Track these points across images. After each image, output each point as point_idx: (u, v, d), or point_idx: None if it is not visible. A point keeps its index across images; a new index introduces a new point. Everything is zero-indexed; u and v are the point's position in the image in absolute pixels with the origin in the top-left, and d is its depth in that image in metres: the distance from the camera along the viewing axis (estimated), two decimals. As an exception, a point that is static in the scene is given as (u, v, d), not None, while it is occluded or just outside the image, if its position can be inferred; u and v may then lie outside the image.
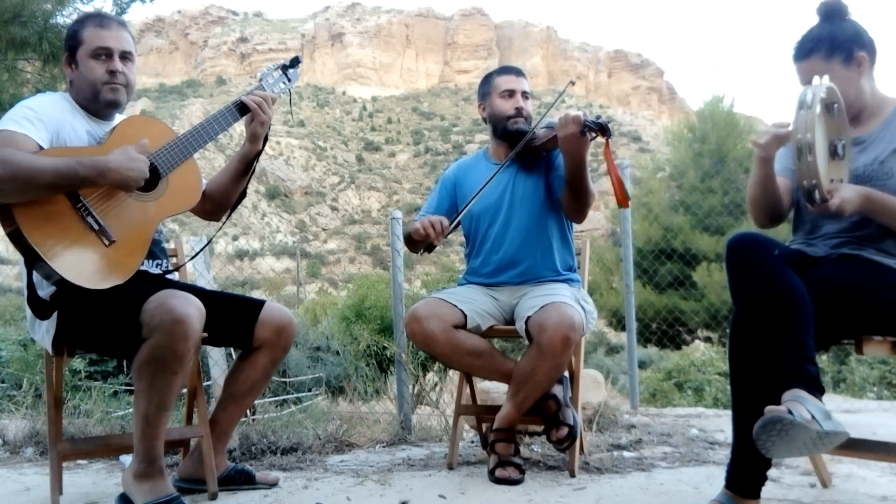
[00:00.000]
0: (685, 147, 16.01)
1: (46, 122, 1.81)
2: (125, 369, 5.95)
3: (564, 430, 2.19)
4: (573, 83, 3.30)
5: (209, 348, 3.74)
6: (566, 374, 2.34)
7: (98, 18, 1.97)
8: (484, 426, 2.57)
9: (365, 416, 3.73)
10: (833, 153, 1.74)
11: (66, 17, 4.81)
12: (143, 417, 1.77)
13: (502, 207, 2.45)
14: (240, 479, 2.15)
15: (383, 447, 2.92)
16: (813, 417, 1.45)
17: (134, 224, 1.84)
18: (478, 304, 2.32)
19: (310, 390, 6.45)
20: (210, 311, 1.82)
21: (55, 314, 1.86)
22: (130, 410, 2.71)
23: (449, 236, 2.66)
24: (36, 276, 1.82)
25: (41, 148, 1.76)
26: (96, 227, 1.75)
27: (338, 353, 6.68)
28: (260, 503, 2.02)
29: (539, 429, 2.53)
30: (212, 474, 2.03)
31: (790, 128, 1.71)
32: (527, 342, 2.18)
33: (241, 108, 2.05)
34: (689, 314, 13.12)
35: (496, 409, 2.33)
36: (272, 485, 2.18)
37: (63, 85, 4.69)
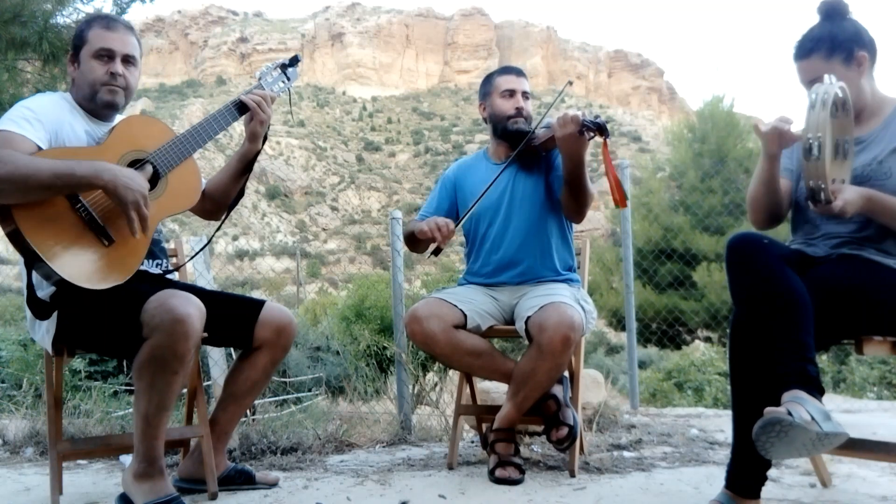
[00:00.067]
0: (685, 147, 16.01)
1: (45, 122, 1.81)
2: (125, 369, 5.95)
3: (564, 430, 2.19)
4: (571, 83, 3.30)
5: (209, 348, 3.74)
6: (566, 374, 2.34)
7: (106, 20, 1.97)
8: (484, 426, 2.57)
9: (365, 416, 3.73)
10: (837, 153, 1.74)
11: (65, 17, 4.80)
12: (143, 417, 1.77)
13: (502, 207, 2.45)
14: (240, 479, 2.15)
15: (383, 447, 2.92)
16: (812, 419, 1.45)
17: (134, 224, 1.83)
18: (478, 304, 2.32)
19: (310, 390, 6.46)
20: (210, 311, 1.82)
21: (55, 314, 1.86)
22: (130, 410, 2.71)
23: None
24: (35, 276, 1.82)
25: (39, 148, 1.76)
26: (96, 227, 1.75)
27: (338, 353, 6.69)
28: (260, 503, 2.02)
29: (539, 429, 2.53)
30: (212, 474, 2.03)
31: (800, 128, 1.70)
32: (527, 342, 2.18)
33: (241, 108, 2.05)
34: (689, 314, 13.13)
35: (496, 409, 2.33)
36: (272, 485, 2.18)
37: (63, 85, 4.69)
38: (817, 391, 1.54)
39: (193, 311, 1.73)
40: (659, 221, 14.23)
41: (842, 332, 1.78)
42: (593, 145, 2.29)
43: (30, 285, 1.85)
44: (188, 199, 2.00)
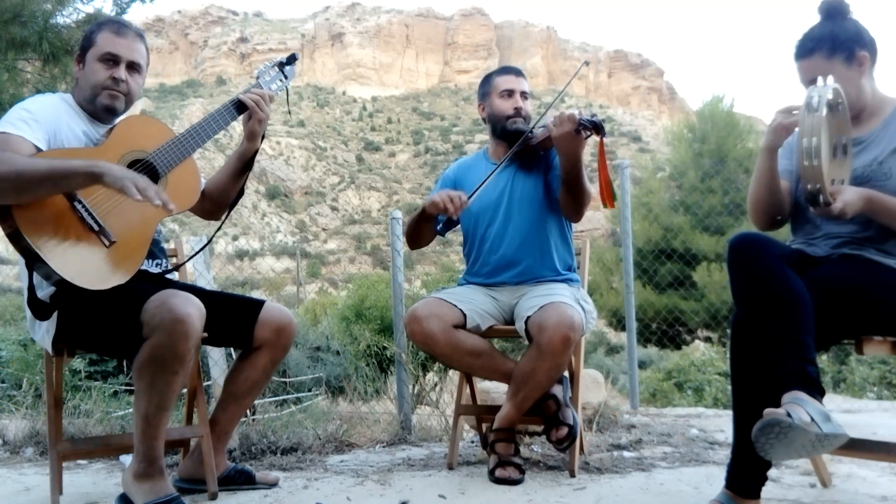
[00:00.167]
0: (685, 147, 16.01)
1: (43, 122, 1.81)
2: (125, 369, 5.95)
3: (564, 430, 2.19)
4: (587, 64, 3.32)
5: (209, 348, 3.74)
6: (566, 374, 2.34)
7: (115, 25, 1.98)
8: (484, 426, 2.57)
9: (365, 416, 3.73)
10: (835, 152, 1.74)
11: (66, 17, 4.81)
12: (143, 417, 1.77)
13: (501, 207, 2.45)
14: (240, 479, 2.15)
15: (383, 447, 2.92)
16: (812, 420, 1.45)
17: (133, 224, 1.83)
18: (477, 304, 2.32)
19: (310, 390, 6.45)
20: (210, 311, 1.81)
21: (55, 314, 1.86)
22: (130, 410, 2.71)
23: (447, 235, 2.67)
24: (36, 276, 1.82)
25: (38, 149, 1.76)
26: (96, 227, 1.75)
27: (338, 353, 6.68)
28: (260, 503, 2.02)
29: (539, 429, 2.53)
30: (212, 474, 2.03)
31: (797, 128, 1.70)
32: (526, 342, 2.18)
33: (239, 107, 2.05)
34: (689, 314, 13.13)
35: (496, 409, 2.33)
36: (272, 485, 2.18)
37: (63, 85, 4.69)
38: (817, 392, 1.54)
39: (193, 310, 1.73)
40: (659, 221, 14.23)
41: (842, 332, 1.78)
42: (592, 143, 2.29)
43: (30, 286, 1.85)
44: (188, 198, 2.00)
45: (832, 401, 4.94)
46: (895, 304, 1.71)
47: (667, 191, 16.05)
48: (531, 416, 2.29)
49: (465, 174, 2.57)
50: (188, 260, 2.32)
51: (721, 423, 3.36)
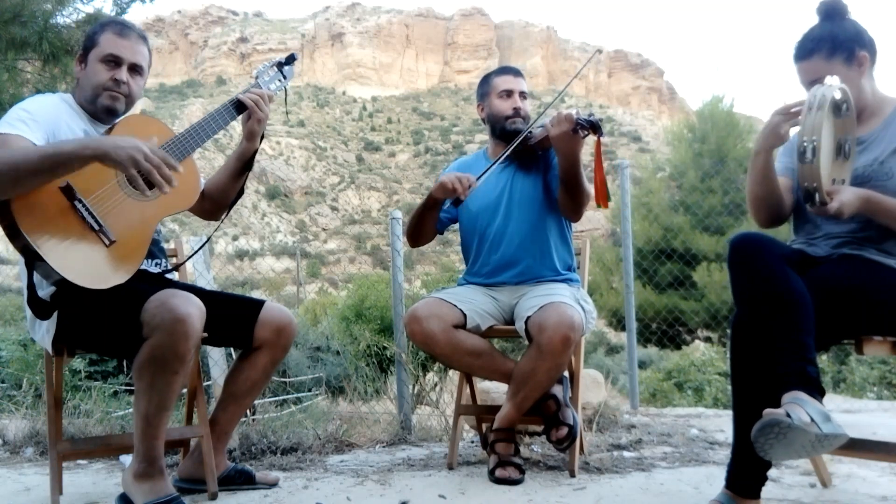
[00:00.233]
0: (685, 147, 16.02)
1: (41, 122, 1.81)
2: (125, 369, 5.95)
3: (564, 430, 2.19)
4: (600, 51, 3.34)
5: (209, 348, 3.74)
6: (566, 374, 2.34)
7: (119, 26, 1.98)
8: (484, 426, 2.57)
9: (365, 416, 3.73)
10: (839, 152, 1.74)
11: (66, 17, 4.81)
12: (143, 417, 1.77)
13: (501, 207, 2.45)
14: (240, 479, 2.15)
15: (383, 447, 2.92)
16: (812, 420, 1.45)
17: (133, 224, 1.83)
18: (477, 304, 2.32)
19: (310, 390, 6.45)
20: (210, 311, 1.81)
21: (55, 314, 1.86)
22: (130, 410, 2.71)
23: (447, 235, 2.67)
24: (36, 276, 1.82)
25: None
26: (96, 226, 1.75)
27: (338, 353, 6.68)
28: (260, 503, 2.02)
29: (539, 429, 2.53)
30: (212, 474, 2.03)
31: (797, 126, 1.70)
32: (527, 342, 2.18)
33: (238, 106, 2.05)
34: (689, 314, 13.13)
35: (496, 409, 2.33)
36: (272, 485, 2.18)
37: (63, 85, 4.69)
38: (817, 392, 1.54)
39: (194, 310, 1.73)
40: (659, 221, 14.23)
41: (842, 332, 1.78)
42: (591, 144, 2.29)
43: (30, 285, 1.84)
44: (188, 198, 2.00)
45: (832, 401, 4.94)
46: (895, 304, 1.71)
47: (667, 191, 16.05)
48: (531, 416, 2.29)
49: (465, 172, 2.57)
50: (187, 259, 2.32)
51: (721, 423, 3.36)
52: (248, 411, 3.02)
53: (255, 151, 2.11)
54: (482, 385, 3.07)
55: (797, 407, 1.48)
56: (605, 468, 2.35)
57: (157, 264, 2.08)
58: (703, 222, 13.87)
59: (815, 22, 1.92)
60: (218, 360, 3.82)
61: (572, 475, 2.26)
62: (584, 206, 2.39)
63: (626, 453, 2.64)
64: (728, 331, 1.77)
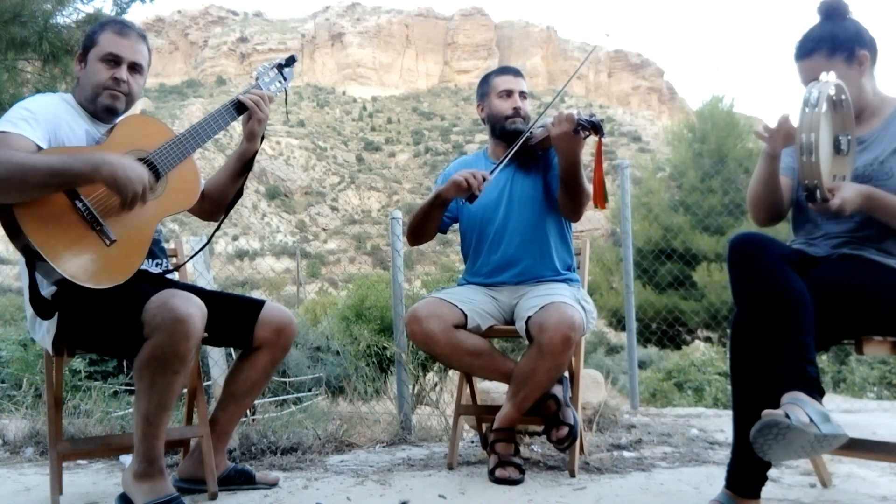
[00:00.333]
0: (685, 147, 16.02)
1: (43, 121, 1.81)
2: (125, 369, 5.95)
3: (564, 430, 2.19)
4: (608, 35, 3.27)
5: (209, 348, 3.74)
6: (566, 374, 2.34)
7: (118, 26, 1.98)
8: (484, 426, 2.57)
9: (365, 416, 3.73)
10: (837, 148, 1.74)
11: (66, 17, 4.81)
12: (143, 417, 1.77)
13: (500, 207, 2.45)
14: (240, 479, 2.15)
15: (383, 447, 2.92)
16: (811, 420, 1.45)
17: (134, 224, 1.83)
18: (478, 304, 2.32)
19: (310, 390, 6.45)
20: (210, 311, 1.81)
21: (56, 314, 1.86)
22: (130, 410, 2.71)
23: (447, 234, 2.67)
24: (37, 275, 1.82)
25: (39, 147, 1.76)
26: (97, 226, 1.75)
27: (338, 353, 6.68)
28: (260, 503, 2.02)
29: (539, 429, 2.53)
30: (212, 474, 2.03)
31: (795, 125, 1.70)
32: (527, 342, 2.18)
33: (239, 107, 2.05)
34: (689, 314, 13.13)
35: (496, 409, 2.33)
36: (272, 485, 2.18)
37: (63, 85, 4.69)
38: (817, 392, 1.54)
39: (195, 310, 1.73)
40: (659, 221, 14.23)
41: (842, 332, 1.78)
42: (591, 144, 2.29)
43: (32, 284, 1.84)
44: (188, 198, 2.00)
45: (832, 401, 4.94)
46: (895, 304, 1.71)
47: (667, 191, 16.05)
48: (531, 416, 2.29)
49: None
50: (188, 260, 2.32)
51: (721, 423, 3.36)
52: (248, 411, 3.02)
53: (256, 152, 2.11)
54: (482, 385, 3.07)
55: (796, 407, 1.48)
56: (605, 468, 2.35)
57: (157, 264, 2.08)
58: (703, 222, 13.87)
59: (816, 21, 1.92)
60: (218, 360, 3.82)
61: (572, 475, 2.26)
62: (584, 207, 2.39)
63: (626, 453, 2.64)
64: (728, 331, 1.77)
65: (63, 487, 2.08)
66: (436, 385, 5.15)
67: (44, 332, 1.90)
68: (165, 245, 2.24)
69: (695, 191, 14.76)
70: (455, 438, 2.46)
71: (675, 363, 9.25)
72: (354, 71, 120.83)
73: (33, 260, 1.70)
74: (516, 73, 2.58)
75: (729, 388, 1.84)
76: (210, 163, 57.22)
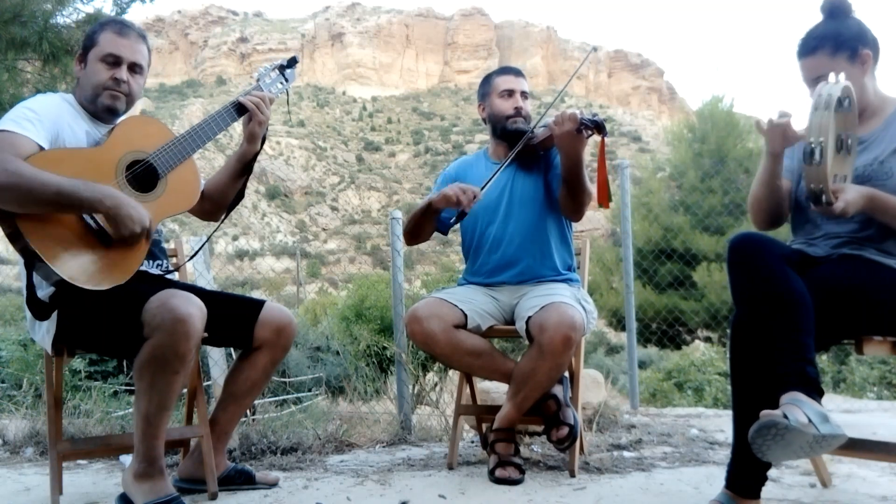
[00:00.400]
0: (685, 147, 16.01)
1: (46, 121, 1.81)
2: (125, 369, 5.95)
3: (564, 430, 2.19)
4: (595, 49, 3.30)
5: (209, 348, 3.74)
6: (566, 374, 2.34)
7: (118, 26, 1.98)
8: (484, 426, 2.57)
9: (365, 416, 3.73)
10: (839, 148, 1.73)
11: (66, 17, 4.81)
12: (143, 417, 1.77)
13: (501, 207, 2.45)
14: (240, 479, 2.15)
15: (383, 447, 2.92)
16: (809, 421, 1.45)
17: (134, 224, 1.83)
18: (478, 304, 2.32)
19: (310, 390, 6.45)
20: (210, 311, 1.82)
21: (55, 314, 1.86)
22: (130, 410, 2.71)
23: (448, 234, 2.67)
24: (35, 276, 1.82)
25: (41, 148, 1.76)
26: (96, 227, 1.75)
27: (338, 353, 6.68)
28: (260, 503, 2.02)
29: (539, 429, 2.53)
30: (212, 474, 2.03)
31: (803, 127, 1.70)
32: (527, 342, 2.18)
33: (240, 109, 2.05)
34: (689, 314, 13.12)
35: (496, 409, 2.33)
36: (272, 485, 2.18)
37: (63, 85, 4.69)
38: (816, 392, 1.54)
39: (195, 310, 1.73)
40: (659, 221, 14.22)
41: (842, 332, 1.78)
42: (593, 143, 2.29)
43: (30, 286, 1.85)
44: (188, 199, 2.00)
45: (832, 401, 4.94)
46: (895, 304, 1.71)
47: (667, 191, 16.04)
48: (531, 416, 2.29)
49: (466, 173, 2.57)
50: (188, 260, 2.32)
51: (721, 423, 3.36)
52: (248, 411, 3.02)
53: (256, 154, 2.11)
54: (482, 385, 3.07)
55: (795, 408, 1.47)
56: (605, 468, 2.35)
57: (157, 265, 2.08)
58: (703, 222, 13.87)
59: (819, 20, 1.92)
60: (218, 360, 3.82)
61: (572, 475, 2.26)
62: (586, 206, 2.38)
63: (626, 453, 2.64)
64: (728, 331, 1.77)
65: (63, 487, 2.08)
66: (436, 385, 5.15)
67: (43, 333, 1.90)
68: (165, 245, 2.24)
69: (695, 191, 14.76)
70: (455, 438, 2.46)
71: (675, 363, 9.24)
72: (354, 71, 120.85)
73: (32, 261, 1.70)
74: (517, 73, 2.58)
75: (729, 388, 1.84)
76: (210, 163, 57.22)
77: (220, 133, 2.02)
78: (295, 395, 6.23)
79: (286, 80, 2.18)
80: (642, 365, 10.92)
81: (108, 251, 1.76)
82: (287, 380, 6.44)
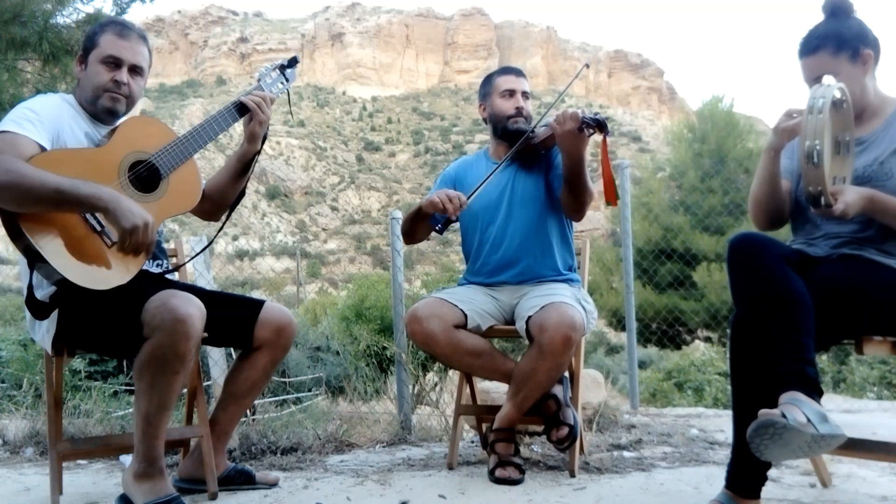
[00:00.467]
0: (685, 147, 16.01)
1: (47, 122, 1.82)
2: (125, 369, 5.95)
3: (564, 430, 2.19)
4: (587, 66, 3.33)
5: (209, 348, 3.74)
6: (566, 374, 2.34)
7: (119, 27, 1.97)
8: (484, 426, 2.57)
9: (365, 416, 3.73)
10: (837, 149, 1.73)
11: (66, 17, 4.81)
12: (143, 417, 1.77)
13: (502, 207, 2.45)
14: (240, 479, 2.15)
15: (383, 447, 2.92)
16: (808, 420, 1.45)
17: (134, 224, 1.83)
18: (478, 304, 2.32)
19: (310, 390, 6.45)
20: (210, 311, 1.82)
21: (55, 314, 1.86)
22: (130, 410, 2.71)
23: (447, 235, 2.66)
24: (36, 276, 1.82)
25: (43, 148, 1.76)
26: (98, 227, 1.75)
27: (338, 353, 6.68)
28: (260, 503, 2.02)
29: (539, 429, 2.53)
30: (212, 474, 2.03)
31: (800, 119, 1.70)
32: (527, 342, 2.18)
33: (241, 109, 2.05)
34: (689, 314, 13.12)
35: (496, 409, 2.33)
36: (272, 485, 2.18)
37: (63, 85, 4.69)
38: (816, 392, 1.54)
39: (194, 311, 1.73)
40: (659, 221, 14.23)
41: (842, 332, 1.78)
42: (594, 143, 2.29)
43: (30, 285, 1.85)
44: (189, 200, 2.01)
45: (832, 401, 4.94)
46: (895, 304, 1.71)
47: (667, 191, 16.05)
48: (531, 416, 2.29)
49: (466, 173, 2.57)
50: (189, 260, 2.32)
51: (721, 423, 3.36)
52: (248, 411, 3.02)
53: (257, 154, 2.11)
54: (482, 385, 3.07)
55: (793, 407, 1.48)
56: (605, 468, 2.35)
57: (158, 265, 2.08)
58: (703, 222, 13.87)
59: (821, 19, 1.92)
60: (218, 360, 3.82)
61: (572, 475, 2.26)
62: (588, 206, 2.38)
63: (626, 453, 2.64)
64: (728, 331, 1.77)
65: (63, 487, 2.08)
66: (436, 385, 5.15)
67: (43, 333, 1.90)
68: (165, 245, 2.24)
69: (695, 191, 14.76)
70: (455, 438, 2.46)
71: (675, 363, 9.24)
72: (354, 71, 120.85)
73: (34, 261, 1.70)
74: (518, 73, 2.58)
75: (729, 388, 1.84)
76: (210, 163, 57.23)
77: (221, 133, 2.02)
78: (295, 395, 6.23)
79: (287, 80, 2.18)
80: (642, 365, 10.92)
81: (110, 251, 1.76)
82: (287, 380, 6.44)
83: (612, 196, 2.29)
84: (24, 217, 1.67)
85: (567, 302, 2.14)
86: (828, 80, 1.70)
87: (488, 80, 2.58)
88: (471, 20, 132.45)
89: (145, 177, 1.88)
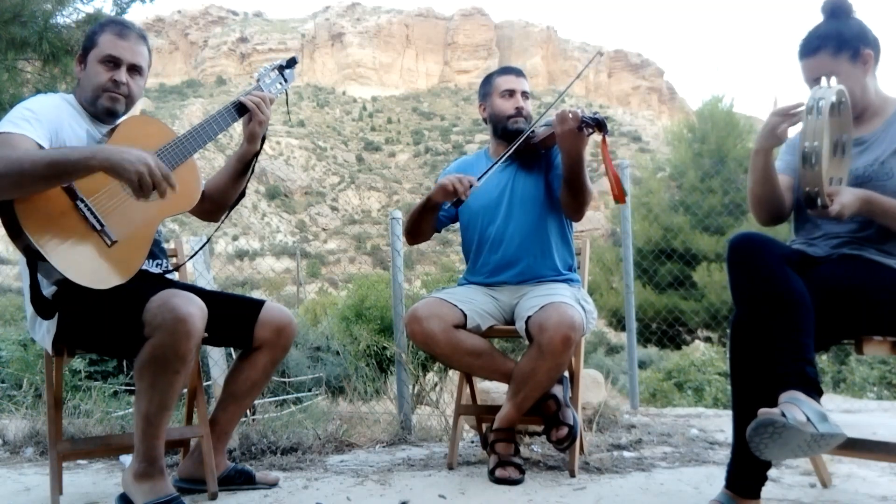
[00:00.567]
0: (685, 147, 16.02)
1: (45, 121, 1.81)
2: (125, 369, 5.96)
3: (564, 430, 2.19)
4: (601, 54, 3.30)
5: (209, 348, 3.74)
6: (566, 374, 2.34)
7: (118, 27, 1.97)
8: (484, 426, 2.57)
9: (365, 416, 3.73)
10: (835, 151, 1.74)
11: (66, 17, 4.81)
12: (144, 417, 1.77)
13: (502, 206, 2.45)
14: (240, 479, 2.15)
15: (383, 447, 2.92)
16: (808, 419, 1.45)
17: (135, 224, 1.84)
18: (478, 304, 2.32)
19: (310, 390, 6.46)
20: (210, 311, 1.82)
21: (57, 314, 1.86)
22: (130, 410, 2.71)
23: (447, 235, 2.66)
24: (38, 275, 1.82)
25: (40, 146, 1.76)
26: (98, 226, 1.75)
27: (338, 353, 6.68)
28: (260, 503, 2.02)
29: (539, 429, 2.53)
30: (212, 474, 2.03)
31: (796, 125, 1.70)
32: (527, 342, 2.18)
33: (240, 109, 2.06)
34: (689, 314, 13.13)
35: (496, 409, 2.33)
36: (272, 485, 2.18)
37: (63, 85, 4.69)
38: (815, 392, 1.54)
39: (195, 310, 1.73)
40: (659, 221, 14.23)
41: (842, 332, 1.78)
42: (593, 143, 2.29)
43: (33, 284, 1.84)
44: (189, 199, 2.01)
45: (832, 401, 4.94)
46: (895, 304, 1.71)
47: (667, 191, 16.05)
48: (531, 416, 2.29)
49: (466, 171, 2.56)
50: (188, 260, 2.32)
51: (721, 423, 3.36)
52: (248, 411, 3.02)
53: (256, 154, 2.11)
54: (482, 385, 3.08)
55: (793, 407, 1.48)
56: (605, 468, 2.35)
57: (157, 265, 2.08)
58: (703, 222, 13.88)
59: (821, 20, 1.92)
60: (218, 360, 3.82)
61: (572, 475, 2.26)
62: (587, 206, 2.38)
63: (626, 453, 2.64)
64: (728, 331, 1.77)
65: (63, 487, 2.08)
66: (436, 385, 5.15)
67: (44, 332, 1.90)
68: (165, 245, 2.24)
69: (695, 191, 14.76)
70: (455, 438, 2.46)
71: (675, 363, 9.25)
72: (354, 71, 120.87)
73: (34, 260, 1.70)
74: (518, 73, 2.58)
75: (729, 388, 1.84)
76: (210, 163, 57.23)
77: (220, 133, 2.02)
78: (295, 395, 6.23)
79: (285, 81, 2.18)
80: (642, 365, 10.92)
81: (110, 250, 1.76)
82: (287, 380, 6.45)
83: (620, 194, 2.29)
84: (25, 216, 1.67)
85: (567, 302, 2.14)
86: (825, 81, 1.70)
87: (488, 80, 2.58)
88: (471, 20, 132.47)
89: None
